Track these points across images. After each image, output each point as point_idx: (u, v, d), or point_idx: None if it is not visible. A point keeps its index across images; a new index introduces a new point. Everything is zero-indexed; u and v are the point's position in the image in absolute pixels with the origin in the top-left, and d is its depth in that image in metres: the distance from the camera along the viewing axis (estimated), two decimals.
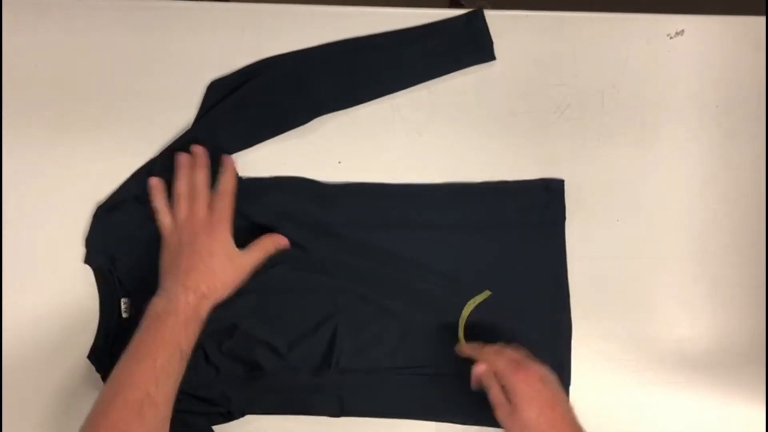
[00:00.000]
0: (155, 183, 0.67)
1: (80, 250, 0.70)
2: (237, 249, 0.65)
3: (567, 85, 0.73)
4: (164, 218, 0.66)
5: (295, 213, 0.70)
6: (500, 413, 0.61)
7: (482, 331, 0.70)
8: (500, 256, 0.71)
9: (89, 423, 0.57)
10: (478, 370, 0.63)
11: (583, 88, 0.73)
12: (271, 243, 0.67)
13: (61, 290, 0.70)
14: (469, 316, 0.70)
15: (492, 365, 0.62)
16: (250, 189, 0.70)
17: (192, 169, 0.67)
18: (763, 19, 0.73)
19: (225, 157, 0.68)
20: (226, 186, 0.66)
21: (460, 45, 0.72)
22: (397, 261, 0.70)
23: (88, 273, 0.70)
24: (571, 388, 0.71)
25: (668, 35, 0.74)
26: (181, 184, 0.66)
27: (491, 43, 0.71)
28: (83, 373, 0.70)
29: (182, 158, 0.67)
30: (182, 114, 0.71)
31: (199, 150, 0.67)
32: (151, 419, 0.57)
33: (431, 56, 0.72)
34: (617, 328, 0.73)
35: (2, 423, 0.70)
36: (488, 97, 0.73)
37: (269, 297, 0.69)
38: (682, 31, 0.74)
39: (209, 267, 0.62)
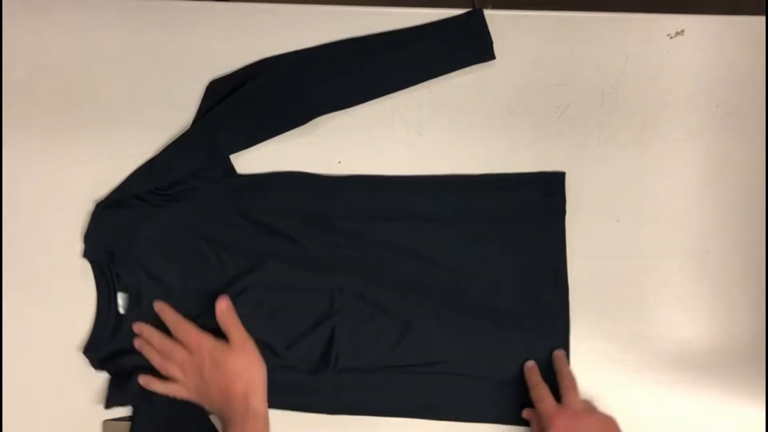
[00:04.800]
0: (139, 345, 0.69)
1: (79, 249, 0.70)
2: (249, 355, 0.67)
3: (567, 85, 0.73)
4: (174, 372, 0.67)
5: (293, 207, 0.70)
6: None
7: (482, 323, 0.70)
8: (500, 248, 0.71)
9: None
10: (525, 412, 0.69)
11: (583, 88, 0.73)
12: (227, 310, 0.68)
13: (59, 289, 0.71)
14: (470, 308, 0.70)
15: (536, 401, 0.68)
16: (248, 185, 0.70)
17: (148, 344, 0.68)
18: (763, 19, 0.73)
19: (156, 303, 0.69)
20: (171, 320, 0.68)
21: (460, 44, 0.72)
22: (397, 254, 0.70)
23: (86, 271, 0.70)
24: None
25: (668, 35, 0.74)
26: (155, 359, 0.68)
27: (491, 42, 0.71)
28: (81, 368, 0.70)
29: (136, 341, 0.69)
30: (182, 114, 0.71)
31: (139, 327, 0.69)
32: None
33: (431, 56, 0.72)
34: (617, 328, 0.73)
35: (2, 422, 0.70)
36: (488, 97, 0.73)
37: (267, 295, 0.69)
38: (682, 31, 0.74)
39: (249, 379, 0.66)
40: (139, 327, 0.69)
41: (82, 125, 0.71)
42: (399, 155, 0.73)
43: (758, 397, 0.72)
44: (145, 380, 0.68)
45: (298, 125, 0.71)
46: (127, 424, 0.70)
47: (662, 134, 0.74)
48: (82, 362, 0.70)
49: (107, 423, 0.70)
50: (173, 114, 0.71)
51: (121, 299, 0.70)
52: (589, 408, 0.69)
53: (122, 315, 0.70)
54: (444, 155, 0.73)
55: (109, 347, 0.69)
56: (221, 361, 0.65)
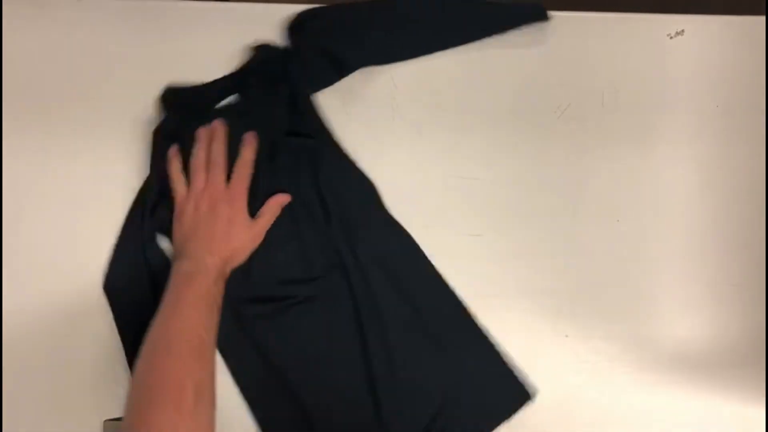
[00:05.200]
0: (172, 152, 0.69)
1: (79, 249, 0.70)
2: (250, 217, 0.67)
3: (567, 85, 0.73)
4: (179, 186, 0.68)
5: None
6: None
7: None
8: None
9: (150, 361, 0.58)
10: None
11: (583, 88, 0.73)
12: (277, 205, 0.69)
13: (59, 289, 0.71)
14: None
15: None
16: None
17: (210, 141, 0.69)
18: (763, 19, 0.73)
19: (247, 134, 0.69)
20: (246, 157, 0.68)
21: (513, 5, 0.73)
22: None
23: (87, 273, 0.70)
24: (572, 388, 0.71)
25: (668, 35, 0.74)
26: (199, 155, 0.68)
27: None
28: (83, 370, 0.70)
29: (201, 131, 0.69)
30: None
31: (216, 123, 0.69)
32: (210, 361, 0.60)
33: (489, 13, 0.72)
34: (617, 328, 0.73)
35: (2, 422, 0.70)
36: (488, 96, 0.73)
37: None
38: (682, 31, 0.74)
39: (229, 234, 0.65)
40: (218, 123, 0.69)
41: (82, 125, 0.71)
42: (399, 155, 0.73)
43: (758, 397, 0.72)
44: (174, 152, 0.69)
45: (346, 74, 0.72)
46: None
47: (662, 134, 0.74)
48: (83, 362, 0.70)
49: (108, 423, 0.70)
50: None
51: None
52: None
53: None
54: (444, 155, 0.73)
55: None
56: (230, 218, 0.66)
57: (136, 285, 0.68)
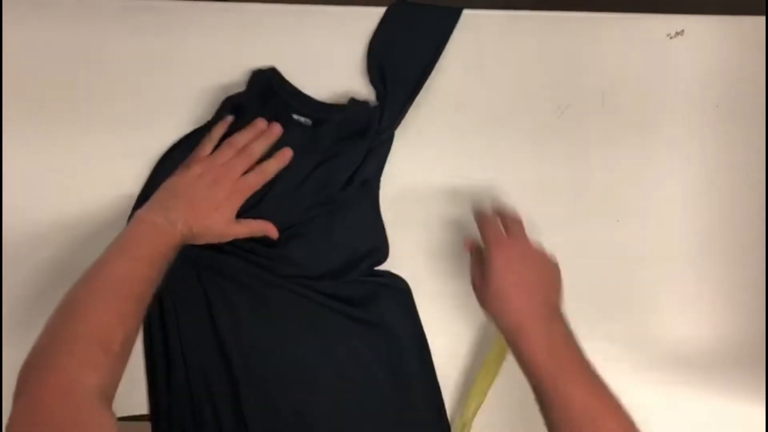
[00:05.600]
0: (227, 119, 0.69)
1: (79, 250, 0.70)
2: (235, 218, 0.66)
3: (567, 85, 0.73)
4: (207, 146, 0.67)
5: None
6: (474, 286, 0.64)
7: None
8: None
9: (85, 292, 0.57)
10: (467, 241, 0.66)
11: (583, 88, 0.73)
12: (263, 229, 0.68)
13: (59, 289, 0.70)
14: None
15: (481, 231, 0.64)
16: None
17: (259, 133, 0.68)
18: (763, 19, 0.74)
19: (286, 149, 0.68)
20: (270, 168, 0.68)
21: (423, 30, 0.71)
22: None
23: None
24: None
25: (668, 35, 0.74)
26: (242, 137, 0.68)
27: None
28: None
29: (259, 121, 0.69)
30: (182, 114, 0.71)
31: (276, 125, 0.69)
32: (140, 318, 0.58)
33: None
34: (617, 328, 0.73)
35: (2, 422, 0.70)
36: (488, 97, 0.73)
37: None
38: (682, 31, 0.74)
39: (210, 217, 0.64)
40: (274, 125, 0.68)
41: (82, 125, 0.71)
42: (399, 155, 0.73)
43: (758, 397, 0.72)
44: (228, 120, 0.69)
45: None
46: (128, 423, 0.70)
47: (662, 134, 0.74)
48: None
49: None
50: (173, 114, 0.71)
51: None
52: (538, 246, 0.64)
53: None
54: (444, 155, 0.73)
55: None
56: (220, 205, 0.64)
57: None
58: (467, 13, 0.73)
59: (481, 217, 0.65)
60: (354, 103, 0.70)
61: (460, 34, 0.73)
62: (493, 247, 0.61)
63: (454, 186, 0.73)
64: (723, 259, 0.73)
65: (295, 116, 0.71)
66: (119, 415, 0.70)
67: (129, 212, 0.70)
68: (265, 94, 0.70)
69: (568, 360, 0.57)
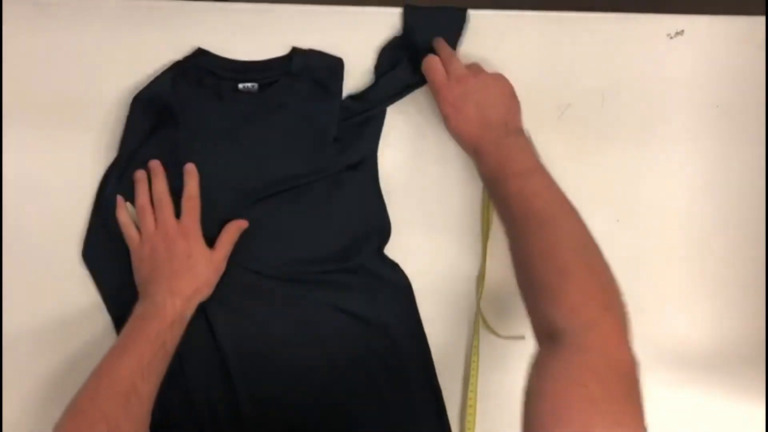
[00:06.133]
0: (119, 201, 0.69)
1: (79, 250, 0.70)
2: (208, 248, 0.67)
3: (567, 85, 0.73)
4: (130, 231, 0.68)
5: None
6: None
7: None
8: None
9: (75, 408, 0.58)
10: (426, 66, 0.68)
11: (583, 88, 0.73)
12: (235, 230, 0.68)
13: (59, 290, 0.70)
14: None
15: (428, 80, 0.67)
16: None
17: (148, 181, 0.69)
18: (763, 19, 0.73)
19: (188, 165, 0.69)
20: (191, 191, 0.68)
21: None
22: None
23: (86, 274, 0.70)
24: None
25: (668, 35, 0.74)
26: (142, 197, 0.68)
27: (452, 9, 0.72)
28: (81, 368, 0.70)
29: (138, 174, 0.69)
30: None
31: (154, 163, 0.69)
32: (136, 410, 0.58)
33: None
34: None
35: (2, 421, 0.70)
36: None
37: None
38: (682, 31, 0.74)
39: (192, 270, 0.65)
40: (155, 163, 0.69)
41: (82, 125, 0.71)
42: (399, 155, 0.73)
43: (758, 397, 0.72)
44: (121, 201, 0.69)
45: None
46: None
47: (662, 134, 0.74)
48: (82, 361, 0.70)
49: None
50: None
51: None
52: (475, 70, 0.67)
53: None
54: (444, 155, 0.73)
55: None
56: (188, 253, 0.65)
57: (113, 251, 0.69)
58: (467, 13, 0.73)
59: (424, 66, 0.67)
60: (297, 52, 0.71)
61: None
62: (437, 95, 0.66)
63: (454, 186, 0.73)
64: (723, 259, 0.73)
65: (241, 85, 0.70)
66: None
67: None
68: (198, 79, 0.70)
69: (517, 161, 0.63)
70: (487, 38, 0.73)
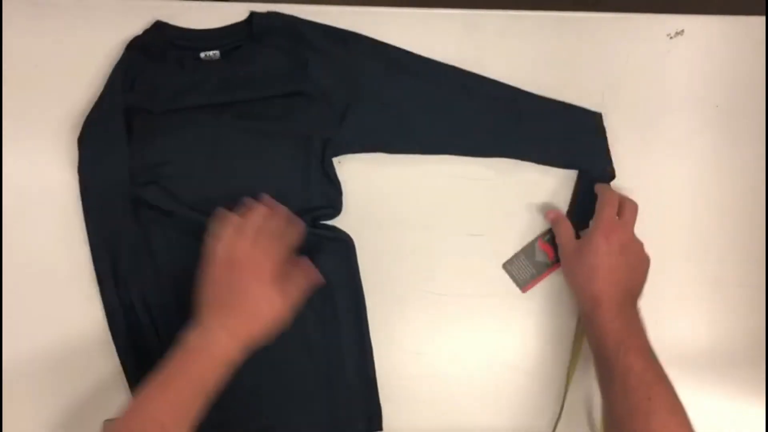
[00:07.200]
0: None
1: (80, 251, 0.70)
2: (281, 296, 0.61)
3: (567, 85, 0.73)
4: (224, 232, 0.62)
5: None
6: (563, 253, 0.68)
7: None
8: None
9: None
10: (549, 214, 0.70)
11: (583, 88, 0.73)
12: (307, 281, 0.65)
13: (59, 290, 0.70)
14: None
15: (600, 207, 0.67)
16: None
17: (269, 213, 0.64)
18: (763, 19, 0.74)
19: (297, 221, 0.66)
20: (292, 238, 0.64)
21: (575, 139, 0.72)
22: None
23: (86, 272, 0.70)
24: (572, 388, 0.71)
25: (668, 35, 0.74)
26: (256, 218, 0.63)
27: (607, 151, 0.72)
28: (80, 369, 0.70)
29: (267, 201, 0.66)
30: None
31: (282, 209, 0.66)
32: None
33: (546, 137, 0.72)
34: None
35: (2, 421, 0.70)
36: None
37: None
38: (682, 31, 0.74)
39: (253, 313, 0.60)
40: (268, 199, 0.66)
41: (81, 124, 0.71)
42: (399, 155, 0.72)
43: (758, 397, 0.72)
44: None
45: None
46: None
47: (662, 134, 0.74)
48: (82, 362, 0.70)
49: (108, 423, 0.70)
50: None
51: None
52: (637, 239, 0.68)
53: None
54: (444, 155, 0.73)
55: None
56: (262, 296, 0.59)
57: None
58: (467, 13, 0.73)
59: (604, 194, 0.67)
60: (256, 15, 0.70)
61: (460, 34, 0.73)
62: (602, 228, 0.65)
63: (454, 186, 0.73)
64: (723, 259, 0.73)
65: (203, 54, 0.70)
66: (116, 415, 0.70)
67: None
68: (160, 52, 0.70)
69: (633, 336, 0.63)
70: (487, 38, 0.73)
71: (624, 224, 0.66)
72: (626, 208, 0.67)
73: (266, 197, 0.66)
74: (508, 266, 0.72)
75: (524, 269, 0.72)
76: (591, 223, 0.67)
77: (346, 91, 0.70)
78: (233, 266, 0.60)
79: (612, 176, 0.71)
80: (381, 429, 0.70)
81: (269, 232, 0.62)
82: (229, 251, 0.60)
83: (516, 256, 0.72)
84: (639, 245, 0.67)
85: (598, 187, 0.69)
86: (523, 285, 0.72)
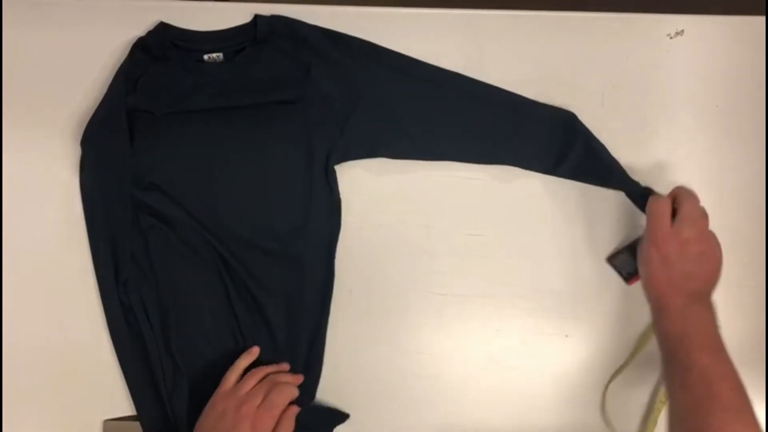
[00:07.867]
0: (249, 353, 0.68)
1: (80, 252, 0.70)
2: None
3: (567, 85, 0.73)
4: (226, 383, 0.65)
5: None
6: (653, 241, 0.65)
7: None
8: None
9: None
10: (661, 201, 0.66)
11: (583, 88, 0.73)
12: (293, 416, 0.65)
13: (59, 290, 0.70)
14: None
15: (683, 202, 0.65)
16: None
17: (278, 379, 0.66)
18: (763, 19, 0.73)
19: (291, 407, 0.65)
20: (289, 412, 0.64)
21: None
22: None
23: (86, 272, 0.70)
24: (572, 388, 0.71)
25: (668, 35, 0.74)
26: (258, 376, 0.65)
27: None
28: (81, 369, 0.70)
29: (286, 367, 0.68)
30: None
31: (297, 379, 0.68)
32: None
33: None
34: (618, 328, 0.73)
35: (2, 421, 0.70)
36: None
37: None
38: (682, 31, 0.74)
39: None
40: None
41: (82, 126, 0.71)
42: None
43: (758, 397, 0.72)
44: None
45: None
46: (127, 423, 0.70)
47: (662, 134, 0.74)
48: (82, 363, 0.70)
49: (108, 423, 0.70)
50: None
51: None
52: (701, 229, 0.66)
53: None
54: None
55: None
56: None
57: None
58: (467, 13, 0.73)
59: (650, 205, 0.66)
60: (260, 18, 0.70)
61: (460, 34, 0.73)
62: (651, 240, 0.64)
63: (454, 186, 0.73)
64: (723, 259, 0.73)
65: (206, 56, 0.70)
66: (116, 415, 0.70)
67: None
68: (163, 54, 0.70)
69: (700, 334, 0.61)
70: (487, 38, 0.73)
71: (676, 231, 0.64)
72: (681, 208, 0.65)
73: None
74: (612, 260, 0.72)
75: (629, 263, 0.71)
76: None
77: (349, 96, 0.70)
78: (234, 412, 0.62)
79: (649, 191, 0.69)
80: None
81: (261, 406, 0.63)
82: (225, 408, 0.62)
83: (620, 250, 0.72)
84: (702, 243, 0.64)
85: (649, 200, 0.67)
86: (629, 279, 0.72)
